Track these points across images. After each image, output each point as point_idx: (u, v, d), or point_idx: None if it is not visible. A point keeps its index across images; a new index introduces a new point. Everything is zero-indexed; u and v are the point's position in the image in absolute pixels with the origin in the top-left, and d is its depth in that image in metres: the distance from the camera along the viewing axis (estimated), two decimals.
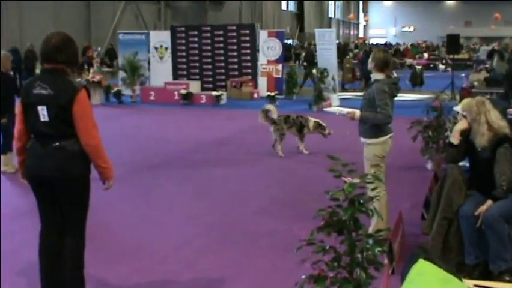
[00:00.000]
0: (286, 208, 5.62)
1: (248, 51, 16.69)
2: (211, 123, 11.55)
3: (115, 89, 15.33)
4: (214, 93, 14.92)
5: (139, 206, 5.72)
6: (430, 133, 7.10)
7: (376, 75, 4.40)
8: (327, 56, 14.56)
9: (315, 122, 8.44)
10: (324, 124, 8.49)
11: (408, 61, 26.39)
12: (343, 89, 18.61)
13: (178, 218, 5.34)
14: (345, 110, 4.49)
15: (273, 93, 14.60)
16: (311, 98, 13.77)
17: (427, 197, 4.80)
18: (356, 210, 2.74)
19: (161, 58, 17.08)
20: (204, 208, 5.64)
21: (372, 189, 3.79)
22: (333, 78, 14.45)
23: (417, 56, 30.60)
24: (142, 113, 13.60)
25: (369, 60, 4.41)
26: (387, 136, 4.43)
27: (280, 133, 8.35)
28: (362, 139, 4.51)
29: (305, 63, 18.60)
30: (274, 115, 8.43)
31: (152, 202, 5.86)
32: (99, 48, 23.36)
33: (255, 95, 16.07)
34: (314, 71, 14.41)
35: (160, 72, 16.72)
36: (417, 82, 18.20)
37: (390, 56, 4.48)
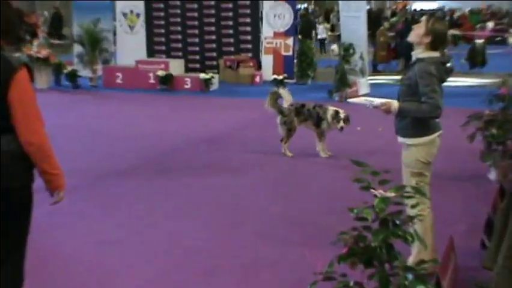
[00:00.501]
0: (296, 230, 5.62)
1: (248, 19, 16.71)
2: (197, 116, 11.56)
3: (69, 68, 15.35)
4: (202, 75, 14.95)
5: (100, 226, 5.71)
6: (494, 131, 7.09)
7: (421, 52, 4.36)
8: (353, 26, 14.56)
9: (333, 111, 8.34)
10: (342, 113, 8.28)
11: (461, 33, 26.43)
12: (375, 71, 18.62)
13: (153, 242, 5.33)
14: (378, 100, 4.47)
15: (280, 77, 14.62)
16: (331, 84, 13.77)
17: (489, 218, 4.79)
18: (389, 234, 2.74)
19: (131, 28, 17.11)
20: (187, 229, 5.64)
21: (413, 207, 3.75)
22: (361, 57, 14.46)
23: (477, 27, 30.54)
24: (104, 101, 13.62)
25: (421, 31, 4.32)
26: (435, 135, 4.41)
27: (287, 128, 8.40)
28: (400, 139, 4.49)
29: (300, 36, 18.64)
30: (285, 102, 8.47)
31: (118, 221, 5.86)
32: (46, 13, 23.29)
33: (257, 79, 16.10)
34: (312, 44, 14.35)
35: (129, 47, 16.75)
36: (477, 61, 18.17)
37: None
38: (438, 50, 4.35)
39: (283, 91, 8.60)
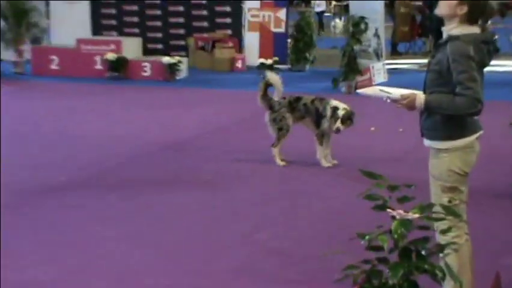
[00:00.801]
0: (289, 264, 5.60)
1: None
2: (160, 114, 11.56)
3: None
4: (166, 59, 14.95)
5: (25, 261, 5.67)
6: None
7: (454, 28, 4.37)
8: None
9: (332, 107, 8.29)
10: (341, 110, 8.20)
11: None
12: (395, 53, 18.72)
13: (96, 284, 5.31)
14: (398, 91, 4.47)
15: (269, 61, 14.64)
16: (337, 70, 13.81)
17: None
18: (412, 268, 2.75)
19: None
20: (144, 265, 5.61)
21: (445, 232, 3.78)
22: (376, 34, 14.54)
23: None
24: (35, 94, 13.56)
25: (451, 2, 4.32)
26: (474, 137, 4.42)
27: (278, 127, 8.42)
28: (427, 142, 4.50)
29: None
30: (277, 93, 8.48)
31: (53, 252, 5.82)
32: None
33: (238, 64, 16.12)
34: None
35: (68, 21, 16.71)
36: None
37: None
38: (476, 25, 4.36)
39: (274, 78, 8.53)
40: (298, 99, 8.54)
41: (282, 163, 8.39)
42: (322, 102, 8.44)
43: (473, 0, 4.30)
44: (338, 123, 8.14)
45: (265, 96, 8.47)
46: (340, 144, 8.77)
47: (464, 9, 4.29)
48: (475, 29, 4.35)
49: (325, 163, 8.38)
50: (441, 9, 4.40)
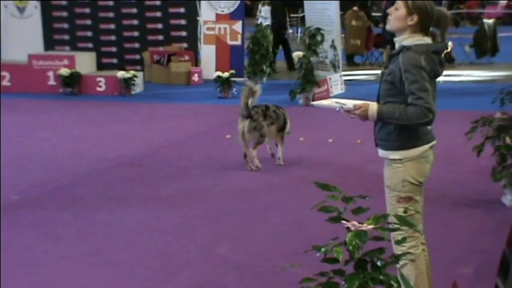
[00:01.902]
0: (248, 277, 5.62)
1: None
2: (115, 130, 11.49)
3: None
4: (120, 74, 14.88)
5: None
6: (508, 140, 7.24)
7: (406, 39, 4.44)
8: (322, 8, 14.76)
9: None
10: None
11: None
12: (351, 64, 18.85)
13: None
14: (351, 102, 4.52)
15: (226, 74, 14.67)
16: (294, 82, 13.89)
17: (504, 256, 4.85)
18: (368, 279, 2.77)
19: (20, 10, 16.91)
20: (101, 283, 5.58)
21: (400, 243, 3.82)
22: (333, 45, 14.65)
23: (486, 2, 31.05)
24: None
25: (401, 12, 4.37)
26: (427, 146, 4.47)
27: (259, 134, 8.92)
28: (381, 152, 4.55)
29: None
30: (250, 103, 8.94)
31: (6, 272, 5.75)
32: None
33: (195, 78, 16.11)
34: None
35: (19, 36, 16.55)
36: (485, 49, 18.51)
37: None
38: (427, 34, 4.42)
39: (257, 87, 9.04)
40: (267, 107, 9.12)
41: (259, 165, 8.89)
42: (282, 109, 9.30)
43: (423, 10, 4.37)
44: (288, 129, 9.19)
45: (247, 105, 8.89)
46: (297, 155, 8.83)
47: (415, 19, 4.36)
48: (427, 39, 4.42)
49: (282, 162, 9.02)
50: (392, 24, 4.47)
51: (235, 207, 7.47)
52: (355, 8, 19.35)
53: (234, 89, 14.31)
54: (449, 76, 15.83)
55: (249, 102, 8.83)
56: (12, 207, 7.50)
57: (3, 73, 15.36)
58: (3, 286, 5.53)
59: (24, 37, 16.40)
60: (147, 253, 6.21)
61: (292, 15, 25.99)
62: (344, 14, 18.85)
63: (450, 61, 16.38)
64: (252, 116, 8.84)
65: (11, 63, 15.75)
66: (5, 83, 15.30)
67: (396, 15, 4.41)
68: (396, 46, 4.49)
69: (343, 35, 17.74)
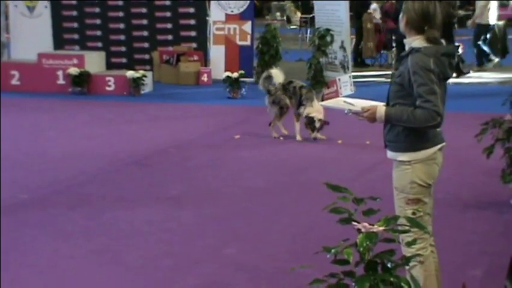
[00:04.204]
0: (257, 279, 5.63)
1: None
2: (124, 129, 11.51)
3: None
4: (130, 74, 14.90)
5: None
6: None
7: (413, 41, 4.46)
8: (331, 8, 14.75)
9: (309, 115, 10.08)
10: (318, 121, 10.02)
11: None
12: (360, 64, 18.82)
13: None
14: (360, 103, 4.53)
15: (235, 74, 14.68)
16: (304, 82, 13.89)
17: None
18: (378, 281, 2.78)
19: (30, 9, 16.96)
20: (109, 282, 5.60)
21: (410, 244, 3.83)
22: (342, 46, 14.65)
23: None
24: None
25: (401, 14, 4.47)
26: (435, 148, 4.48)
27: (279, 106, 10.35)
28: (390, 154, 4.56)
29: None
30: (277, 80, 10.46)
31: (16, 271, 5.78)
32: None
33: (204, 78, 16.12)
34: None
35: (29, 35, 16.59)
36: (495, 50, 18.44)
37: (436, 4, 4.53)
38: (423, 33, 4.42)
39: (275, 72, 10.61)
40: (290, 82, 10.51)
41: (285, 132, 10.44)
42: (308, 93, 10.33)
43: (409, 10, 4.41)
44: (315, 133, 10.03)
45: (265, 82, 10.50)
46: (307, 156, 8.83)
47: (405, 19, 4.43)
48: (425, 40, 4.42)
49: (299, 137, 10.17)
50: (400, 25, 4.55)
51: (244, 208, 7.48)
52: (370, 11, 19.33)
53: (243, 90, 14.32)
54: (458, 78, 15.82)
55: (267, 82, 10.44)
56: (21, 206, 7.53)
57: (13, 72, 15.39)
58: (12, 286, 5.56)
59: (34, 36, 16.43)
60: (155, 253, 6.22)
61: (302, 15, 26.03)
62: (359, 16, 18.80)
63: (459, 73, 16.20)
64: (270, 91, 10.38)
65: (20, 62, 15.79)
66: (14, 82, 15.34)
67: (400, 16, 4.50)
68: (406, 48, 4.52)
69: (352, 36, 17.73)
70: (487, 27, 17.50)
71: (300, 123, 10.23)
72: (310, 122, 9.97)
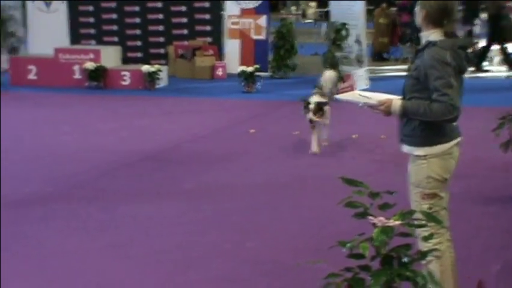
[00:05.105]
0: (275, 272, 5.63)
1: None
2: (139, 124, 11.53)
3: None
4: (145, 68, 14.94)
5: (12, 271, 5.65)
6: None
7: (430, 34, 4.44)
8: (347, 3, 14.71)
9: (306, 102, 9.30)
10: (312, 104, 9.15)
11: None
12: (377, 59, 18.79)
13: None
14: (375, 96, 4.51)
15: (250, 68, 14.67)
16: (318, 77, 13.85)
17: None
18: (394, 276, 2.77)
19: (47, 4, 17.02)
20: (126, 276, 5.61)
21: (426, 239, 3.80)
22: (358, 40, 14.60)
23: None
24: (12, 104, 13.49)
25: (417, 8, 4.44)
26: (452, 143, 4.46)
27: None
28: (406, 148, 4.54)
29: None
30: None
31: (34, 264, 5.81)
32: None
33: (219, 72, 16.12)
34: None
35: (46, 30, 16.66)
36: None
37: None
38: (442, 27, 4.40)
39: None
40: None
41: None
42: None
43: (427, 4, 4.38)
44: (310, 115, 9.06)
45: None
46: (323, 150, 8.80)
47: (423, 13, 4.39)
48: (442, 33, 4.39)
49: (314, 148, 9.18)
50: (416, 19, 4.52)
51: (259, 202, 7.47)
52: (383, 6, 19.30)
53: (258, 84, 14.31)
54: (476, 72, 15.75)
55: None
56: (38, 200, 7.55)
57: (30, 67, 15.46)
58: (33, 278, 5.58)
59: (51, 31, 16.51)
60: (169, 247, 6.22)
61: (317, 9, 25.99)
62: (374, 9, 18.77)
63: (478, 67, 16.18)
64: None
65: (37, 57, 15.87)
66: (31, 76, 15.41)
67: (416, 11, 4.47)
68: (423, 41, 4.49)
69: (369, 30, 17.70)
70: None
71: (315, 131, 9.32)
72: (306, 106, 9.22)
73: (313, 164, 8.79)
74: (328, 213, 6.86)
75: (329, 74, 9.82)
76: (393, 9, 19.55)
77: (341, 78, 13.54)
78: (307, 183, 8.09)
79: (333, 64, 13.56)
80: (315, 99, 9.19)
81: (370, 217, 2.89)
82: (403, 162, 4.63)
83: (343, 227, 5.77)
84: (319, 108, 9.05)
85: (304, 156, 9.06)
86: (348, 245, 2.87)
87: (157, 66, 15.05)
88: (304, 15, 29.31)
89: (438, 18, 4.39)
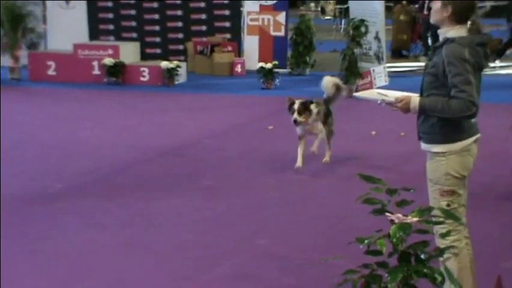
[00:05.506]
0: (289, 269, 5.63)
1: None
2: (158, 120, 11.56)
3: None
4: (164, 64, 14.96)
5: (26, 267, 5.69)
6: None
7: (449, 31, 4.42)
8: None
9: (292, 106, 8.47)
10: (296, 104, 8.38)
11: None
12: (396, 56, 18.73)
13: None
14: (393, 94, 4.50)
15: (269, 65, 14.67)
16: (338, 73, 13.85)
17: None
18: (412, 272, 2.77)
19: (67, 1, 17.09)
20: (142, 271, 5.64)
21: (444, 236, 3.80)
22: (377, 37, 14.55)
23: None
24: (31, 100, 13.58)
25: (437, 4, 4.39)
26: (471, 140, 4.45)
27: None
28: (424, 145, 4.53)
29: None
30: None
31: (49, 260, 5.85)
32: None
33: (238, 69, 16.13)
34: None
35: (65, 26, 16.73)
36: None
37: None
38: (465, 23, 4.39)
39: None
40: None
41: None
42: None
43: (455, 0, 4.34)
44: (295, 115, 8.29)
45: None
46: (340, 147, 8.79)
47: (449, 10, 4.35)
48: (464, 30, 4.37)
49: (298, 162, 8.43)
50: (432, 17, 4.50)
51: (276, 199, 7.48)
52: (404, 2, 19.24)
53: (277, 80, 14.32)
54: (494, 69, 15.67)
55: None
56: (55, 195, 7.59)
57: (49, 62, 15.54)
58: (48, 274, 5.61)
59: (70, 27, 16.56)
60: (186, 243, 6.24)
61: (336, 6, 25.94)
62: (394, 7, 18.72)
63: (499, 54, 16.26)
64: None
65: (57, 53, 15.94)
66: (50, 72, 15.49)
67: (435, 8, 4.44)
68: (440, 38, 4.48)
69: (389, 27, 17.66)
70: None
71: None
72: (290, 106, 8.44)
73: (330, 161, 8.76)
74: (344, 209, 6.86)
75: (328, 80, 9.04)
76: (414, 6, 19.48)
77: (360, 75, 13.54)
78: (323, 180, 8.10)
79: (352, 60, 13.53)
80: (298, 100, 8.46)
81: (388, 214, 2.89)
82: (424, 159, 4.62)
83: (358, 224, 5.78)
84: (304, 108, 8.35)
85: (321, 154, 9.02)
86: (366, 241, 2.88)
87: (175, 63, 15.07)
88: (323, 12, 29.26)
89: (464, 15, 4.39)
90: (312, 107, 8.45)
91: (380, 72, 14.20)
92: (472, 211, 4.70)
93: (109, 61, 14.95)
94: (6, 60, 15.46)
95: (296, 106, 8.32)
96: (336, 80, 9.15)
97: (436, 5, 4.42)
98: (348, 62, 13.52)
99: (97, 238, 6.38)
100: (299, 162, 8.39)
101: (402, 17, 18.92)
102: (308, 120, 8.41)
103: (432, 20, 4.52)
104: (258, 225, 6.70)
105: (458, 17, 4.38)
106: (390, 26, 18.56)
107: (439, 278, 2.83)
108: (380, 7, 14.61)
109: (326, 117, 8.72)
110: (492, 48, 15.38)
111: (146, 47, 16.79)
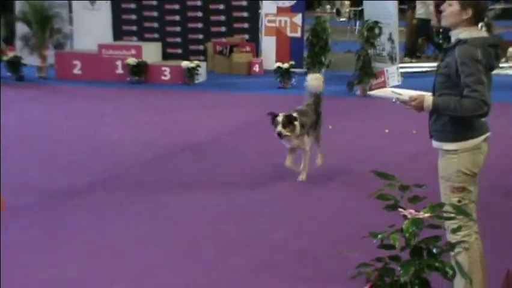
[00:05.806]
0: (305, 262, 5.65)
1: None
2: (178, 117, 11.59)
3: (9, 54, 15.44)
4: (184, 64, 15.00)
5: (52, 260, 5.73)
6: None
7: (461, 32, 4.40)
8: (380, 2, 14.61)
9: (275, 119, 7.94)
10: (279, 116, 7.84)
11: None
12: (410, 56, 18.67)
13: (119, 278, 5.36)
14: (407, 92, 4.49)
15: (286, 65, 14.66)
16: (352, 73, 13.83)
17: None
18: (424, 266, 2.77)
19: (92, 3, 17.16)
20: (162, 262, 5.66)
21: (455, 231, 3.80)
22: (390, 38, 14.51)
23: None
24: (57, 98, 13.65)
25: (455, 8, 4.35)
26: (481, 138, 4.44)
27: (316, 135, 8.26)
28: (436, 143, 4.52)
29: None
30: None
31: (74, 251, 5.88)
32: None
33: (256, 68, 16.13)
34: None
35: (90, 27, 16.80)
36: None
37: None
38: (477, 25, 4.38)
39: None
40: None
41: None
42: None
43: (475, 3, 4.32)
44: (279, 127, 7.77)
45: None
46: (354, 145, 8.79)
47: (469, 13, 4.33)
48: (483, 33, 4.38)
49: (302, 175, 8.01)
50: (446, 20, 4.46)
51: (293, 194, 7.49)
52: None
53: (293, 80, 14.31)
54: (505, 69, 15.57)
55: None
56: (79, 190, 7.63)
57: (75, 62, 15.62)
58: (73, 264, 5.65)
59: (95, 28, 16.63)
60: (207, 235, 6.26)
61: (351, 8, 25.87)
62: (407, 10, 18.65)
63: None
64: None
65: (82, 53, 16.02)
66: (76, 71, 15.58)
67: (450, 11, 4.39)
68: (452, 40, 4.47)
69: (402, 28, 17.59)
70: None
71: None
72: (273, 118, 7.88)
73: (344, 158, 8.76)
74: (358, 205, 6.86)
75: (312, 78, 8.50)
76: None
77: (374, 75, 13.52)
78: (338, 176, 8.09)
79: (366, 61, 13.52)
80: (282, 114, 7.85)
81: (400, 209, 2.89)
82: (434, 157, 4.61)
83: (372, 219, 5.78)
84: (288, 121, 7.76)
85: (337, 151, 9.01)
86: (380, 236, 2.88)
87: (196, 62, 15.11)
88: (338, 14, 29.17)
89: (482, 17, 4.41)
90: (296, 123, 7.85)
91: (393, 72, 14.16)
92: (482, 207, 4.68)
93: (132, 61, 15.01)
94: (34, 60, 15.56)
95: (280, 119, 7.78)
96: (320, 75, 8.79)
97: (453, 9, 4.36)
98: (363, 62, 13.51)
99: (118, 230, 6.42)
100: (303, 176, 7.96)
101: (415, 21, 18.89)
102: (293, 134, 7.85)
103: (444, 23, 4.49)
104: (275, 219, 6.71)
105: (477, 19, 4.39)
106: (403, 28, 18.51)
107: (450, 272, 2.83)
108: (393, 8, 14.56)
109: (316, 123, 8.25)
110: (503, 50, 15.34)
111: (168, 47, 16.83)
